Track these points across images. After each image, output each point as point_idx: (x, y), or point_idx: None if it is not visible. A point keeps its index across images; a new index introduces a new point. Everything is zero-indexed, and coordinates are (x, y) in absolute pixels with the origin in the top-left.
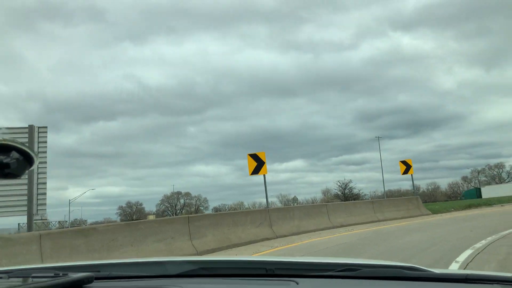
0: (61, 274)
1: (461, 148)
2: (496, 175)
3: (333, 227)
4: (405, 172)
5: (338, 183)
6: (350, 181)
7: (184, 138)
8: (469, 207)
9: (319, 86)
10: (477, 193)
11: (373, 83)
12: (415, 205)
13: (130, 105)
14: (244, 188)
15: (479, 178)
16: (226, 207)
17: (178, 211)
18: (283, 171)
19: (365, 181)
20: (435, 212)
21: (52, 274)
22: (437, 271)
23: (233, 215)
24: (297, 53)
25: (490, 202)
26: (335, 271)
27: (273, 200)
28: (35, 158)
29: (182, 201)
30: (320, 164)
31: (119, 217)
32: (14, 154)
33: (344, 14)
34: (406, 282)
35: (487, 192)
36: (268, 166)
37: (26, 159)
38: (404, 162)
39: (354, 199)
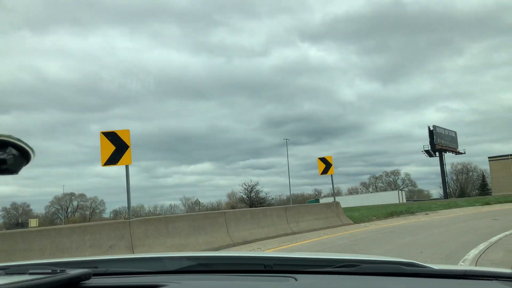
0: (58, 271)
1: (358, 156)
2: (392, 182)
3: (233, 245)
4: (324, 171)
5: (244, 186)
6: (257, 183)
7: (85, 136)
8: (391, 215)
9: (229, 90)
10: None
11: (281, 90)
12: (334, 212)
13: (26, 98)
14: (150, 191)
15: (376, 184)
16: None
17: (70, 214)
18: (191, 173)
19: (271, 185)
20: (355, 220)
21: (50, 271)
22: (436, 267)
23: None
24: (209, 56)
25: (412, 210)
26: (334, 267)
27: (177, 203)
28: (32, 154)
29: (75, 203)
30: (228, 168)
31: (1, 220)
32: (11, 150)
33: (256, 21)
34: (405, 278)
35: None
36: (175, 168)
37: (23, 155)
38: (323, 160)
39: (261, 203)
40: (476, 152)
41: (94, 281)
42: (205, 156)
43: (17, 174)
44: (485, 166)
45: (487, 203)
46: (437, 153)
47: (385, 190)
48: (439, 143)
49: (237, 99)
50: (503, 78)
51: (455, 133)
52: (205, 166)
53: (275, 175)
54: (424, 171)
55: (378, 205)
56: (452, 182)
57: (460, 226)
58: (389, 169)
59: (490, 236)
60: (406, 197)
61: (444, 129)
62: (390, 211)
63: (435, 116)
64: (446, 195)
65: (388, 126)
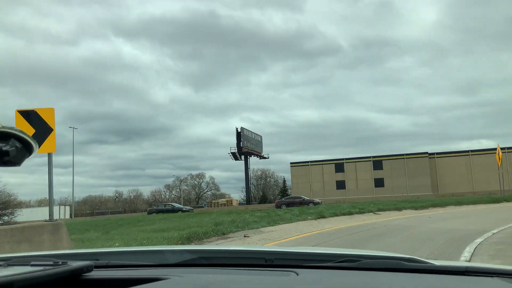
0: (60, 263)
1: (166, 158)
2: (197, 185)
3: None
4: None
5: None
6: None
7: None
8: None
9: (28, 77)
10: None
11: (89, 84)
12: (50, 241)
13: None
14: None
15: (181, 187)
16: None
17: None
18: None
19: (69, 185)
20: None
21: (52, 262)
22: (437, 263)
23: None
24: (5, 36)
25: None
26: (335, 262)
27: None
28: (34, 146)
29: None
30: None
31: None
32: (14, 142)
33: (65, 7)
34: (406, 274)
35: None
36: None
37: (26, 147)
38: (24, 114)
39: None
40: (273, 161)
41: (96, 273)
42: None
43: (19, 166)
44: (281, 174)
45: (323, 216)
46: (243, 156)
47: (189, 193)
48: (246, 146)
49: (38, 88)
50: (298, 97)
51: (261, 137)
52: None
53: (76, 174)
54: (226, 176)
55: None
56: (253, 187)
57: None
58: (195, 172)
59: None
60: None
61: (251, 132)
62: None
63: (239, 125)
64: (248, 199)
65: (197, 131)
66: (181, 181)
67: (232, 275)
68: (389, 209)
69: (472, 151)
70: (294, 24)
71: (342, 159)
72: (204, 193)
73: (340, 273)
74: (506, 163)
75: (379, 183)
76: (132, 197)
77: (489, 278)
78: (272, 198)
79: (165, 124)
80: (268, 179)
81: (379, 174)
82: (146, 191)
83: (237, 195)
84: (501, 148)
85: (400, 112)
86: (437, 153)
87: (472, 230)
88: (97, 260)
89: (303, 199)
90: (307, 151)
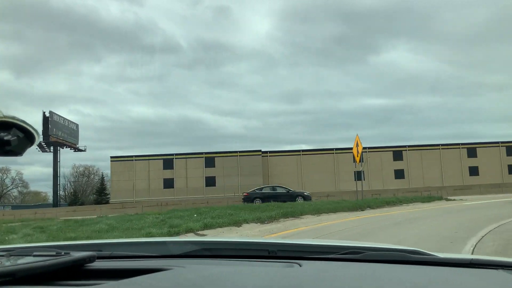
0: (63, 253)
1: None
2: None
3: None
4: None
5: None
6: None
7: None
8: None
9: None
10: None
11: None
12: None
13: None
14: None
15: None
16: None
17: None
18: None
19: None
20: None
21: (54, 253)
22: (441, 255)
23: None
24: None
25: None
26: (339, 254)
27: None
28: (36, 136)
29: None
30: None
31: None
32: (15, 132)
33: None
34: (410, 266)
35: None
36: None
37: (27, 137)
38: None
39: None
40: (102, 157)
41: (98, 263)
42: None
43: (21, 155)
44: (107, 171)
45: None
46: (52, 147)
47: None
48: (55, 134)
49: None
50: (133, 92)
51: (77, 126)
52: None
53: None
54: (47, 172)
55: None
56: (69, 184)
57: None
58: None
59: None
60: None
61: (64, 118)
62: None
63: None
64: (57, 201)
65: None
66: None
67: (235, 266)
68: (222, 224)
69: (303, 150)
70: (132, 16)
71: (172, 154)
72: (8, 191)
73: (343, 264)
74: (340, 163)
75: (210, 182)
76: None
77: (494, 270)
78: (91, 198)
79: None
80: (92, 176)
81: (211, 172)
82: None
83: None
84: (337, 149)
85: (233, 115)
86: (270, 152)
87: None
88: (100, 251)
89: (288, 191)
90: (141, 148)
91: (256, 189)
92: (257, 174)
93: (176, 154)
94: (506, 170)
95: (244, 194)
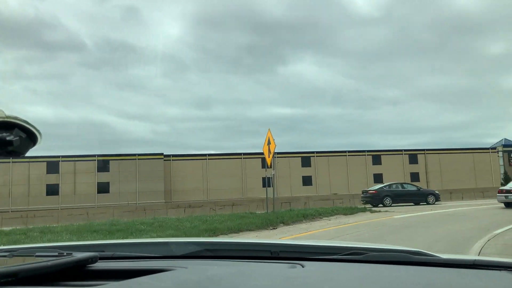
0: (65, 254)
1: None
2: None
3: None
4: None
5: None
6: None
7: None
8: None
9: None
10: None
11: None
12: None
13: None
14: None
15: None
16: None
17: None
18: None
19: None
20: None
21: (56, 253)
22: (444, 256)
23: None
24: None
25: None
26: (341, 255)
27: None
28: (38, 136)
29: None
30: None
31: None
32: (18, 132)
33: None
34: (413, 267)
35: None
36: None
37: (29, 137)
38: None
39: None
40: None
41: (100, 264)
42: None
43: (24, 155)
44: None
45: None
46: None
47: None
48: None
49: None
50: (31, 91)
51: None
52: None
53: None
54: None
55: None
56: None
57: None
58: None
59: None
60: None
61: None
62: None
63: None
64: None
65: None
66: None
67: (237, 267)
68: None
69: (209, 155)
70: (32, 10)
71: (58, 156)
72: None
73: (346, 265)
74: (248, 168)
75: (103, 188)
76: None
77: (497, 271)
78: None
79: None
80: None
81: (104, 177)
82: None
83: None
84: (245, 154)
85: (140, 119)
86: (174, 155)
87: None
88: (103, 251)
89: (419, 189)
90: (37, 151)
91: (383, 186)
92: (158, 179)
93: (63, 156)
94: (408, 178)
95: (369, 191)
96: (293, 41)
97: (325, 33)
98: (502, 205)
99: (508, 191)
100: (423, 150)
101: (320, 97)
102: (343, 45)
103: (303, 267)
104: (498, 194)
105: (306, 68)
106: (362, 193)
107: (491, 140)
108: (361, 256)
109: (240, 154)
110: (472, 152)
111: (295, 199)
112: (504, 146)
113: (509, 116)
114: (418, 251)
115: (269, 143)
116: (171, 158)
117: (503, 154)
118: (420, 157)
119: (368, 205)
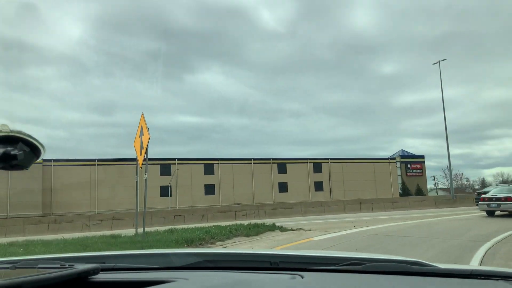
0: (67, 265)
1: None
2: None
3: None
4: None
5: None
6: None
7: None
8: None
9: None
10: None
11: None
12: None
13: None
14: None
15: None
16: None
17: None
18: None
19: None
20: None
21: (58, 265)
22: (442, 266)
23: None
24: None
25: None
26: (340, 265)
27: None
28: (42, 150)
29: None
30: None
31: None
32: (22, 146)
33: None
34: (411, 277)
35: None
36: None
37: (33, 151)
38: None
39: None
40: None
41: (102, 276)
42: None
43: (27, 169)
44: None
45: None
46: None
47: None
48: None
49: None
50: None
51: None
52: None
53: None
54: None
55: None
56: None
57: None
58: None
59: None
60: None
61: None
62: None
63: None
64: None
65: None
66: None
67: (237, 278)
68: None
69: (99, 160)
70: None
71: None
72: None
73: (345, 276)
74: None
75: None
76: None
77: (494, 282)
78: None
79: None
80: None
81: None
82: None
83: None
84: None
85: (35, 123)
86: (56, 160)
87: None
88: (104, 263)
89: None
90: None
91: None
92: (34, 189)
93: None
94: (312, 187)
95: (479, 197)
96: (201, 50)
97: (233, 45)
98: (479, 214)
99: (490, 199)
100: (327, 159)
101: (227, 107)
102: (250, 57)
103: (302, 277)
104: (480, 202)
105: (213, 78)
106: None
107: (383, 153)
108: (360, 266)
109: (133, 159)
110: (373, 162)
111: (191, 212)
112: (402, 157)
113: (399, 132)
114: (416, 261)
115: (141, 134)
116: (52, 163)
117: (400, 165)
118: (324, 166)
119: (278, 223)
